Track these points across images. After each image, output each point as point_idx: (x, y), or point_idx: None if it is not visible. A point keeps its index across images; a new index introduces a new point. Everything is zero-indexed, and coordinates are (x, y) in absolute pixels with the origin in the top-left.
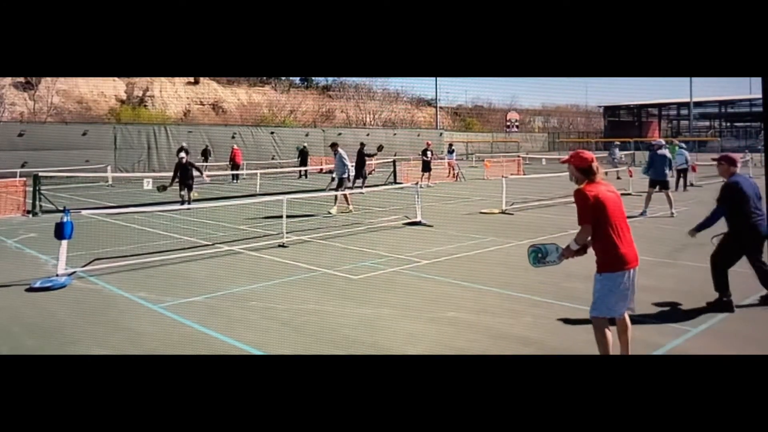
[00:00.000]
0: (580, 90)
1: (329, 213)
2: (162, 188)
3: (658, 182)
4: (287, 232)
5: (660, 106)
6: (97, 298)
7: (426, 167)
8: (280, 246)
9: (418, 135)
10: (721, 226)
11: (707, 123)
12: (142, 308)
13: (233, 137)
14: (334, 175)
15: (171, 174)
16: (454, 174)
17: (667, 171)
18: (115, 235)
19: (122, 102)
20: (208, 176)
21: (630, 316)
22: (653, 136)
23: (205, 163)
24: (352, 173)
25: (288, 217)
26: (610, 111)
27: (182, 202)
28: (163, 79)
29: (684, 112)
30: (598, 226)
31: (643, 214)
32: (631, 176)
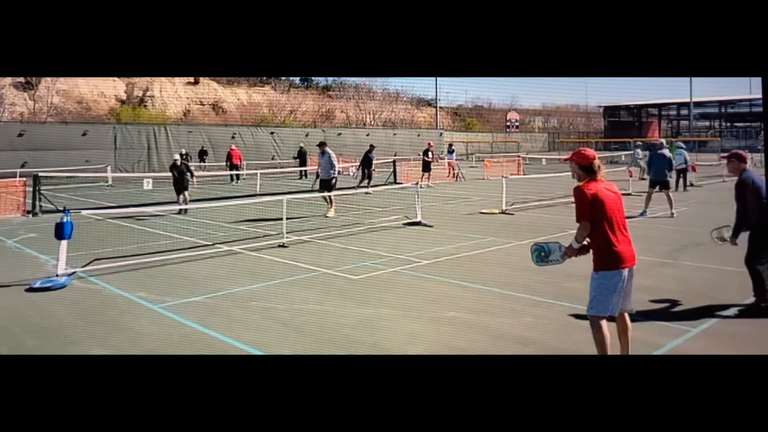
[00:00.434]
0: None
1: (326, 216)
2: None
3: (659, 182)
4: (287, 232)
5: (660, 106)
6: (97, 298)
7: (426, 167)
8: (280, 246)
9: (418, 135)
10: (719, 221)
11: (707, 123)
12: (142, 308)
13: (233, 137)
14: (328, 176)
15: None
16: (454, 174)
17: (667, 171)
18: (115, 235)
19: (122, 102)
20: (197, 180)
21: (629, 316)
22: (653, 137)
23: (203, 164)
24: (335, 174)
25: (288, 219)
26: (610, 111)
27: (180, 211)
28: (163, 79)
29: (684, 112)
30: (596, 223)
31: (643, 214)
32: (630, 176)
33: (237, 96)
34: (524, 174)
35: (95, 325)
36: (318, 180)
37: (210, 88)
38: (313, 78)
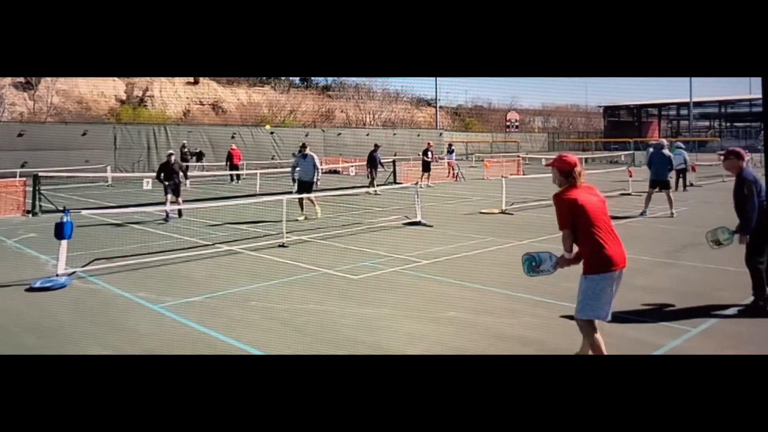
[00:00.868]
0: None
1: (316, 216)
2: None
3: (659, 182)
4: (287, 232)
5: (660, 106)
6: (97, 298)
7: (426, 167)
8: (280, 246)
9: (418, 135)
10: (719, 221)
11: (707, 123)
12: (142, 308)
13: (233, 137)
14: (308, 179)
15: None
16: (453, 174)
17: (668, 171)
18: (115, 235)
19: (122, 102)
20: (190, 182)
21: (629, 316)
22: (653, 136)
23: (198, 163)
24: (319, 177)
25: (288, 221)
26: (610, 111)
27: (167, 216)
28: (163, 79)
29: (684, 112)
30: (580, 228)
31: (642, 214)
32: (630, 176)
33: (237, 96)
34: (524, 174)
35: (95, 325)
36: (296, 183)
37: (210, 88)
38: (313, 78)
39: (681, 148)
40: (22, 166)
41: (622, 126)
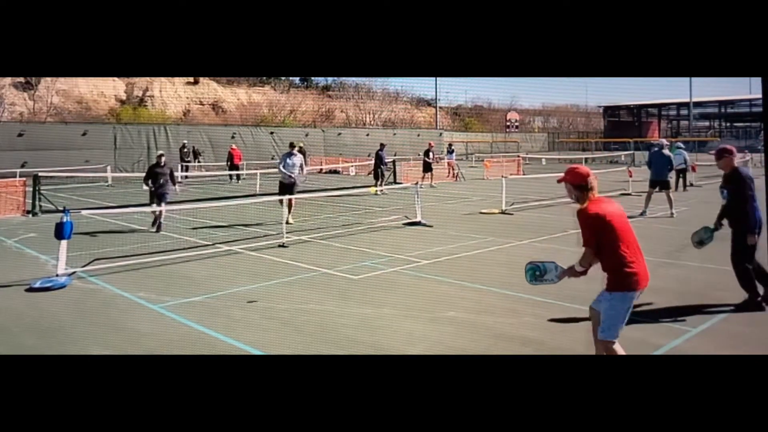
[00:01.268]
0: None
1: (288, 222)
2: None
3: (659, 182)
4: (287, 232)
5: (660, 106)
6: (97, 298)
7: (428, 168)
8: (280, 246)
9: (418, 135)
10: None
11: (707, 123)
12: (142, 308)
13: (233, 137)
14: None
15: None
16: (453, 174)
17: (668, 171)
18: (115, 235)
19: (122, 102)
20: (181, 188)
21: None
22: (653, 136)
23: (192, 163)
24: (302, 179)
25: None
26: (610, 111)
27: (155, 222)
28: (163, 79)
29: (684, 112)
30: (607, 244)
31: (642, 214)
32: (630, 176)
33: (237, 96)
34: (524, 174)
35: (95, 325)
36: (285, 183)
37: (210, 88)
38: (312, 78)
39: (681, 148)
40: (22, 166)
41: (622, 126)
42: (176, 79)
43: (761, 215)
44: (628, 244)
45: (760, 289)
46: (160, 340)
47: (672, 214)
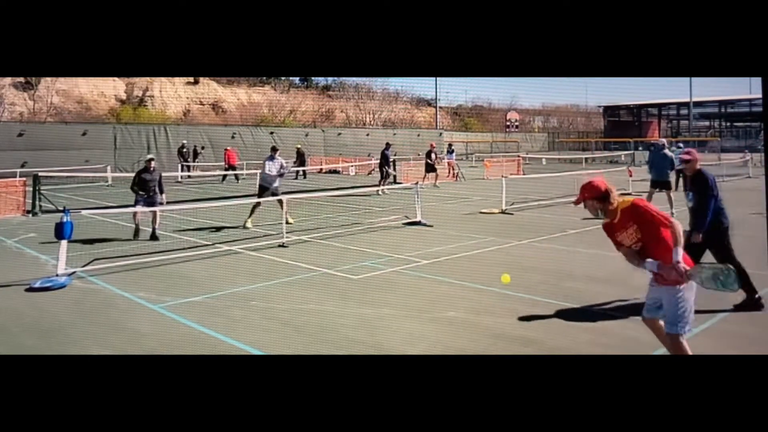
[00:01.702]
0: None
1: (245, 227)
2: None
3: (660, 183)
4: (287, 232)
5: (660, 106)
6: (97, 298)
7: (430, 169)
8: (280, 246)
9: (418, 135)
10: None
11: (707, 123)
12: (142, 308)
13: (233, 137)
14: (275, 184)
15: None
16: (453, 174)
17: (669, 171)
18: (115, 235)
19: (122, 102)
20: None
21: (629, 316)
22: (653, 136)
23: (198, 162)
24: (276, 185)
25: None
26: (610, 111)
27: (136, 231)
28: (163, 79)
29: (684, 112)
30: (663, 237)
31: None
32: (630, 176)
33: (237, 96)
34: (524, 174)
35: (95, 325)
36: (266, 186)
37: (210, 88)
38: (312, 78)
39: (681, 148)
40: (22, 166)
41: (622, 126)
42: (176, 79)
43: (726, 217)
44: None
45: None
46: (161, 341)
47: (672, 214)
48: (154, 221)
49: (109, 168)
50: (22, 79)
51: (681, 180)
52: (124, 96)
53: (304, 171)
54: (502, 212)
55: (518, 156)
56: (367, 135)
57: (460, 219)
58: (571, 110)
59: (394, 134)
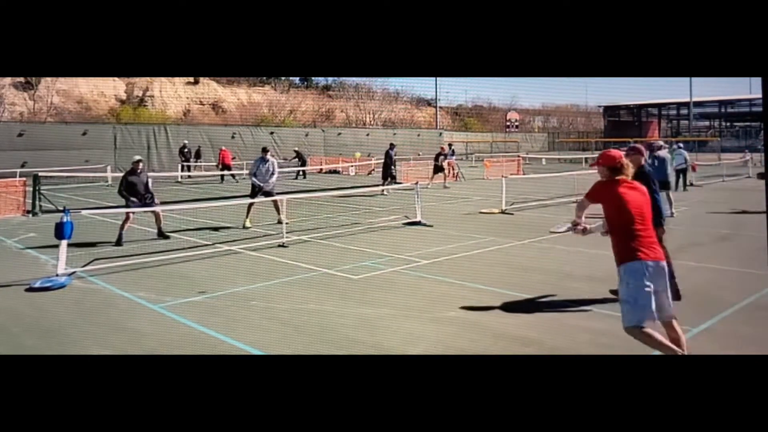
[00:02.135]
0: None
1: (245, 226)
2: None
3: (661, 183)
4: (287, 232)
5: (660, 106)
6: (97, 298)
7: (438, 170)
8: (280, 246)
9: (418, 135)
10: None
11: (707, 123)
12: (142, 308)
13: (233, 137)
14: (268, 187)
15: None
16: (454, 174)
17: (669, 171)
18: (115, 235)
19: (122, 102)
20: (160, 204)
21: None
22: (653, 136)
23: (199, 162)
24: (270, 186)
25: (285, 223)
26: (610, 111)
27: (119, 239)
28: (163, 79)
29: (684, 112)
30: (613, 219)
31: None
32: None
33: (237, 96)
34: (524, 174)
35: (95, 325)
36: (258, 187)
37: (210, 88)
38: (313, 78)
39: (681, 147)
40: (22, 166)
41: (622, 126)
42: (176, 79)
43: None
44: (633, 220)
45: None
46: (161, 341)
47: (672, 213)
48: (158, 222)
49: (109, 168)
50: (22, 79)
51: (681, 180)
52: (124, 96)
53: (304, 171)
54: (502, 212)
55: (518, 156)
56: (367, 135)
57: (460, 219)
58: (571, 110)
59: (394, 134)
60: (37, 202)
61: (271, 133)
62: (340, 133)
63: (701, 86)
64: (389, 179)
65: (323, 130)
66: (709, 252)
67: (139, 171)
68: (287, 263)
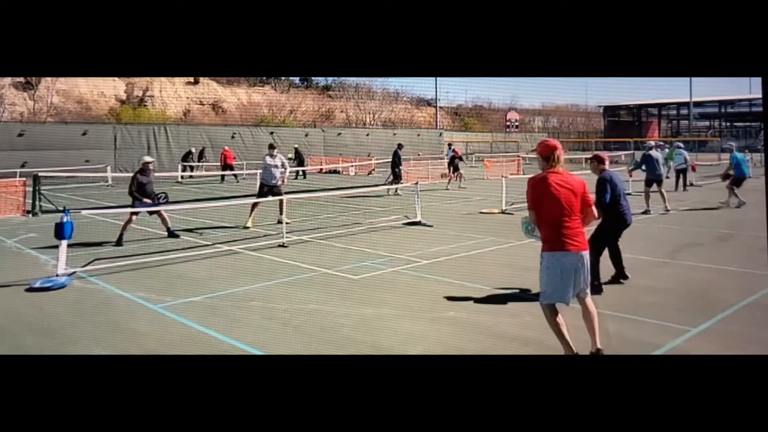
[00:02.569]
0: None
1: (246, 227)
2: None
3: (654, 180)
4: (287, 232)
5: (660, 106)
6: (97, 298)
7: (456, 169)
8: (280, 246)
9: (418, 135)
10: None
11: (707, 123)
12: (142, 308)
13: (233, 137)
14: (277, 182)
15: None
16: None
17: (660, 171)
18: (116, 235)
19: (122, 102)
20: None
21: (629, 316)
22: (653, 136)
23: (202, 163)
24: (279, 182)
25: (286, 223)
26: (610, 111)
27: (120, 239)
28: (163, 79)
29: (684, 112)
30: (542, 211)
31: (647, 212)
32: (631, 176)
33: (237, 96)
34: (524, 174)
35: (95, 325)
36: (267, 186)
37: (210, 88)
38: (313, 78)
39: (681, 147)
40: (22, 166)
41: (622, 126)
42: (176, 79)
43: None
44: (560, 213)
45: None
46: (160, 340)
47: (666, 209)
48: (165, 222)
49: (109, 168)
50: (22, 79)
51: (681, 180)
52: (124, 96)
53: (304, 171)
54: (502, 212)
55: (518, 156)
56: (367, 135)
57: (460, 219)
58: (571, 110)
59: (394, 134)
60: (37, 202)
61: (271, 133)
62: (340, 134)
63: (701, 86)
64: (398, 179)
65: (323, 130)
66: (709, 252)
67: (148, 171)
68: (287, 263)
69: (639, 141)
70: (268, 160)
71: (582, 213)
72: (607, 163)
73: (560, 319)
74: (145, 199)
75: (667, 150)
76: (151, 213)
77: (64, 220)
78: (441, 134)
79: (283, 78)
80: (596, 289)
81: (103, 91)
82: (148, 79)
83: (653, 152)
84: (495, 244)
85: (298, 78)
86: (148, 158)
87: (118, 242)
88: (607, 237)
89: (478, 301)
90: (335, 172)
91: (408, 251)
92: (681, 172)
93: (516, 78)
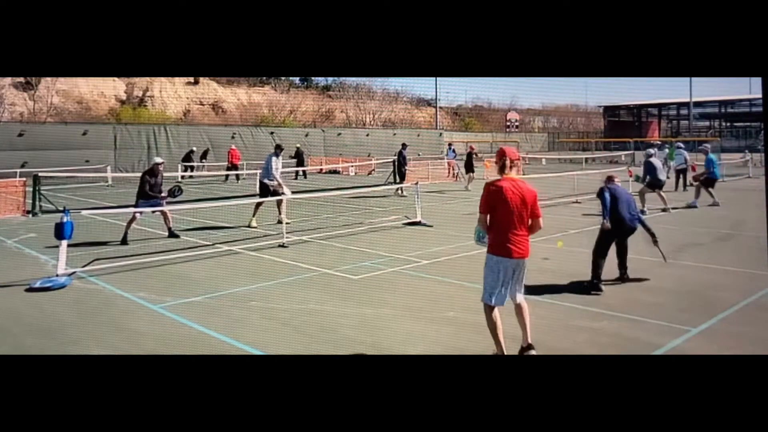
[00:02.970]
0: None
1: (250, 226)
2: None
3: (656, 184)
4: (287, 232)
5: (660, 106)
6: (97, 298)
7: (470, 168)
8: (280, 246)
9: (418, 135)
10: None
11: (707, 123)
12: (142, 308)
13: (233, 137)
14: (275, 183)
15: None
16: (453, 174)
17: (660, 176)
18: (116, 235)
19: (122, 102)
20: (168, 204)
21: (629, 316)
22: (653, 136)
23: (203, 163)
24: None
25: (286, 223)
26: (610, 111)
27: (125, 238)
28: (163, 79)
29: (684, 112)
30: (493, 215)
31: (642, 212)
32: (630, 176)
33: (237, 96)
34: (524, 174)
35: (95, 325)
36: (267, 186)
37: (210, 88)
38: (313, 78)
39: (681, 147)
40: (22, 166)
41: (622, 126)
42: (176, 79)
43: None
44: (508, 219)
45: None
46: (160, 341)
47: (668, 210)
48: (167, 222)
49: (109, 168)
50: (22, 79)
51: (681, 180)
52: (124, 96)
53: (304, 171)
54: None
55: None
56: (367, 135)
57: (460, 219)
58: (571, 110)
59: (394, 134)
60: (37, 203)
61: (271, 133)
62: (340, 134)
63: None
64: (402, 179)
65: (323, 131)
66: (709, 252)
67: (157, 172)
68: (287, 263)
69: (639, 141)
70: (274, 160)
71: (530, 222)
72: (616, 180)
73: (496, 317)
74: (156, 200)
75: (667, 150)
76: (154, 211)
77: (64, 220)
78: (441, 134)
79: (283, 78)
80: (597, 288)
81: (103, 91)
82: (148, 79)
83: (653, 159)
84: None
85: (298, 78)
86: (158, 159)
87: (123, 241)
88: (605, 241)
89: (477, 301)
90: (335, 172)
91: (408, 251)
92: (681, 172)
93: (516, 78)
